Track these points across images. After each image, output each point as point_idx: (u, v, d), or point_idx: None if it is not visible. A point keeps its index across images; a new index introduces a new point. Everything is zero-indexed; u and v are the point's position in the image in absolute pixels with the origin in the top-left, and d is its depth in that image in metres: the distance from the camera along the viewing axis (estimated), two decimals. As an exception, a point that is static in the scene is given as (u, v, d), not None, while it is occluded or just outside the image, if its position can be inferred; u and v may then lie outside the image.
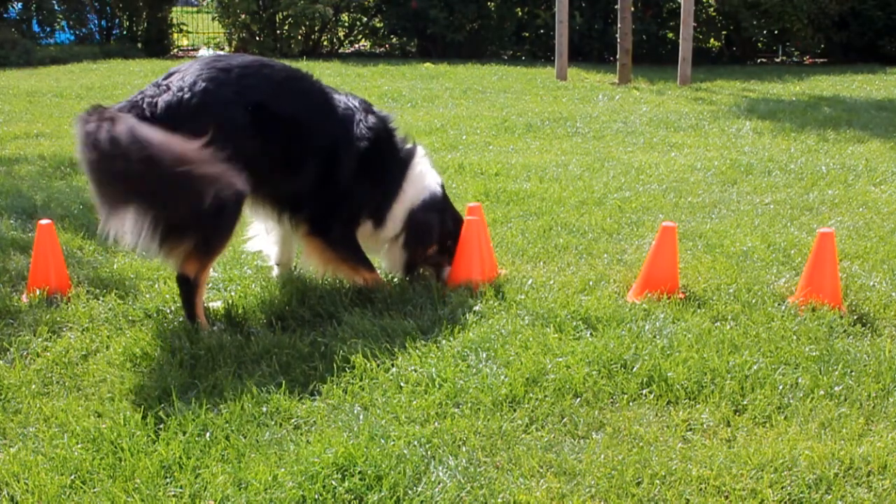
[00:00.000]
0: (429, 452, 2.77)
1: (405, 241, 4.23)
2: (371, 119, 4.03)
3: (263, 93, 3.71)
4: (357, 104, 4.04)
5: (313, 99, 3.94)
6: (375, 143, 4.01)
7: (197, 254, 3.60)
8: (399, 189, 4.15)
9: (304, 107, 3.88)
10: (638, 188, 6.22)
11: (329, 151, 3.91)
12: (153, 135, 3.28)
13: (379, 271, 4.28)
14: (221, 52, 3.97)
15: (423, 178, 4.23)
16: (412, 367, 3.31)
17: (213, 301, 3.93)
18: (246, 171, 3.52)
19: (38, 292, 3.99)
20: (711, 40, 17.51)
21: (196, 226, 3.52)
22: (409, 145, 4.25)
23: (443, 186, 4.37)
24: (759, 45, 17.59)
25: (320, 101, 3.95)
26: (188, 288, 3.67)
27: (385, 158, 4.10)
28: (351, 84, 12.15)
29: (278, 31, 17.29)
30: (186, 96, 3.54)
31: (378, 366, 3.33)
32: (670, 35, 16.85)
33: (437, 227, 4.26)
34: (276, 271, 4.37)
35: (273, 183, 3.82)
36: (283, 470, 2.66)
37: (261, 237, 4.39)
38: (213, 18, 18.25)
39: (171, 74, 3.66)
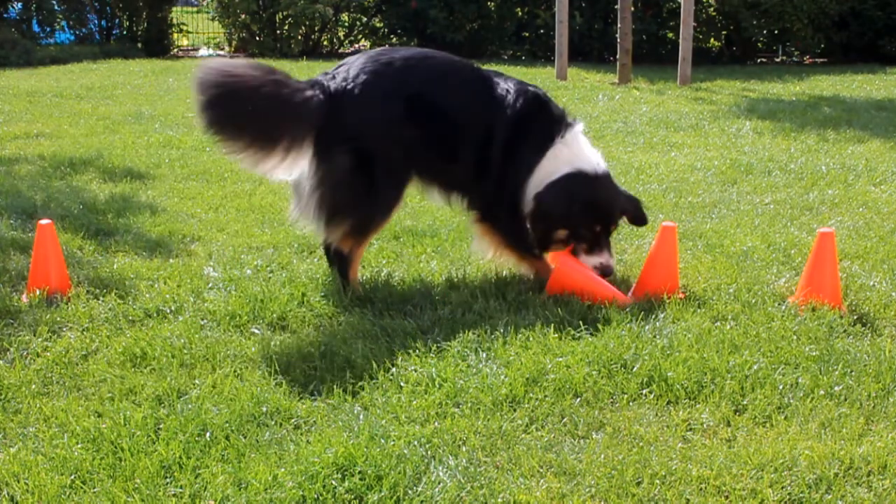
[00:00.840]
0: (429, 452, 2.77)
1: (531, 216, 4.15)
2: (520, 102, 4.07)
3: (422, 85, 3.99)
4: (511, 87, 4.10)
5: (471, 88, 4.12)
6: (521, 126, 4.06)
7: (353, 233, 3.97)
8: (534, 162, 4.10)
9: (462, 97, 4.08)
10: (638, 188, 6.21)
11: (485, 139, 4.06)
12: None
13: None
14: (385, 47, 4.22)
15: (562, 155, 4.10)
16: (412, 367, 3.31)
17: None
18: (407, 160, 3.97)
19: (38, 292, 3.99)
20: (711, 40, 17.51)
21: (354, 208, 3.91)
22: (559, 124, 4.15)
23: (600, 168, 4.17)
24: (759, 45, 17.58)
25: (478, 90, 4.11)
26: (342, 260, 4.05)
27: (528, 139, 4.10)
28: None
29: (278, 31, 17.29)
30: (347, 87, 3.85)
31: (378, 366, 3.33)
32: (670, 35, 16.85)
33: (562, 209, 4.07)
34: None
35: (436, 170, 4.13)
36: (283, 470, 2.66)
37: None
38: (213, 18, 18.25)
39: (340, 66, 3.98)
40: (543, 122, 4.15)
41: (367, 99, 3.87)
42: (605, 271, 4.13)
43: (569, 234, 4.14)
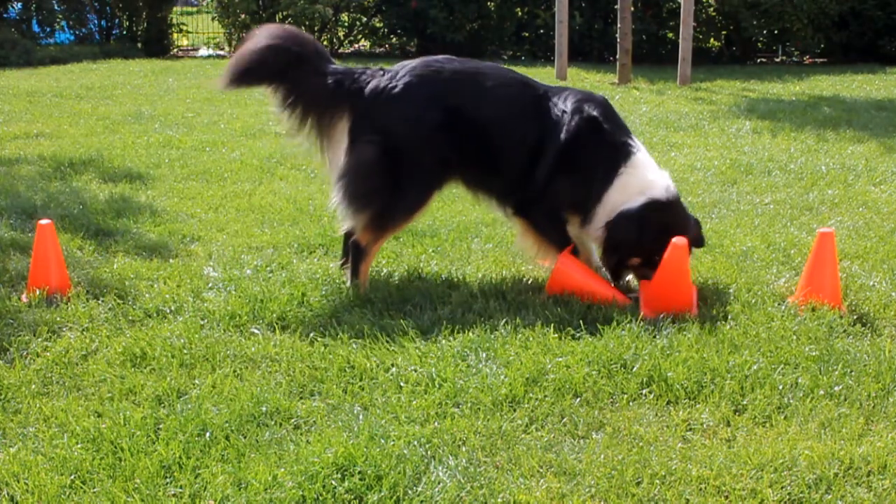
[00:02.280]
0: (429, 452, 2.77)
1: (603, 245, 4.21)
2: (574, 121, 4.08)
3: (463, 97, 4.09)
4: (568, 107, 4.11)
5: (518, 104, 4.18)
6: (576, 144, 4.07)
7: (373, 226, 4.05)
8: (602, 192, 4.11)
9: (505, 112, 4.15)
10: (638, 188, 6.21)
11: (529, 151, 4.12)
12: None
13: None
14: (443, 56, 4.40)
15: (631, 183, 4.10)
16: (412, 367, 3.31)
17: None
18: (440, 165, 4.08)
19: (38, 292, 3.99)
20: (711, 40, 17.50)
21: (377, 199, 4.01)
22: (623, 147, 4.16)
23: (671, 192, 4.15)
24: (759, 45, 17.57)
25: (525, 107, 4.16)
26: (358, 253, 4.10)
27: (587, 159, 4.12)
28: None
29: (278, 31, 17.28)
30: (390, 85, 4.01)
31: (378, 366, 3.33)
32: (670, 35, 16.84)
33: (634, 238, 4.07)
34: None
35: (474, 176, 4.22)
36: (282, 470, 2.66)
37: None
38: (213, 18, 18.25)
39: (396, 66, 4.15)
40: (602, 147, 4.13)
41: (406, 99, 4.00)
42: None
43: (642, 261, 4.15)
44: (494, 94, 4.17)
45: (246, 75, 4.10)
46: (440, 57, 4.28)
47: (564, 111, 4.12)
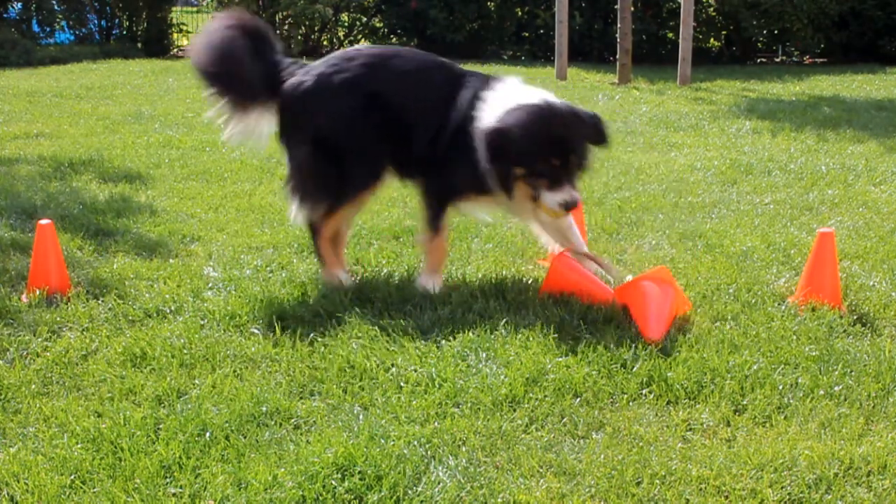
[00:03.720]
0: (429, 452, 2.77)
1: (486, 162, 3.88)
2: (465, 97, 4.02)
3: (380, 82, 4.06)
4: (472, 88, 4.04)
5: (433, 86, 4.13)
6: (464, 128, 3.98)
7: (326, 215, 4.15)
8: (473, 118, 3.93)
9: (421, 94, 4.10)
10: (638, 188, 6.22)
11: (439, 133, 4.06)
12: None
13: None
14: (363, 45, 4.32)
15: (502, 99, 3.89)
16: (412, 367, 3.31)
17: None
18: (372, 146, 4.06)
19: (38, 292, 3.99)
20: (711, 40, 17.51)
21: (326, 195, 4.10)
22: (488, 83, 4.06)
23: (547, 99, 3.89)
24: (759, 45, 17.58)
25: (440, 89, 4.10)
26: (314, 234, 4.23)
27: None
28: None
29: (278, 31, 17.28)
30: (305, 80, 4.06)
31: (378, 366, 3.33)
32: (670, 35, 16.85)
33: (510, 145, 3.78)
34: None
35: (397, 158, 4.18)
36: (282, 470, 2.66)
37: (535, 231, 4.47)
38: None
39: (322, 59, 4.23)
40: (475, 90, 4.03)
41: (324, 91, 4.04)
42: (568, 206, 3.82)
43: (526, 172, 3.84)
44: (411, 76, 4.15)
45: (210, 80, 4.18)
46: (359, 46, 4.34)
47: (466, 95, 4.04)
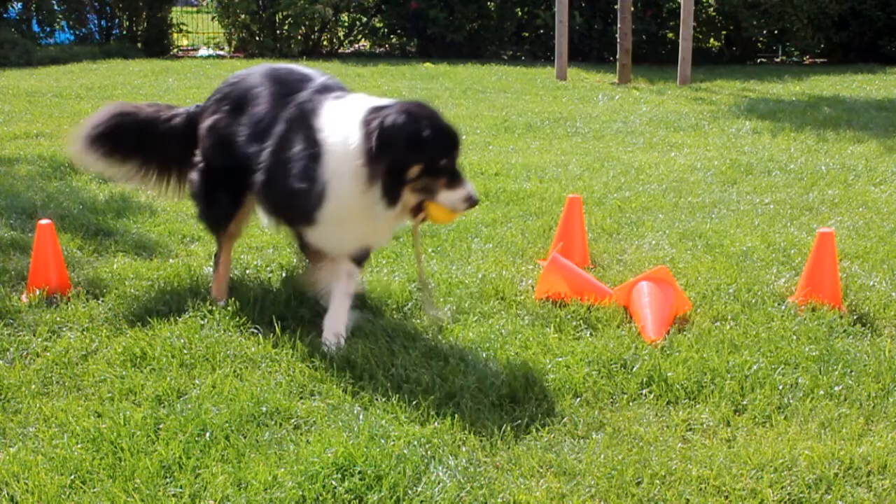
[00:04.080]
0: (429, 452, 2.77)
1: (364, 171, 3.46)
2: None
3: (242, 104, 3.90)
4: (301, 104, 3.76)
5: (275, 108, 3.78)
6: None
7: (216, 235, 4.20)
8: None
9: (264, 115, 3.79)
10: (638, 188, 6.22)
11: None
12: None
13: None
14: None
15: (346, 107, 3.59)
16: (412, 367, 3.31)
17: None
18: (232, 173, 3.88)
19: (38, 292, 3.98)
20: (711, 40, 17.50)
21: (209, 216, 4.13)
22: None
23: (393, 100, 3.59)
24: (759, 45, 17.58)
25: (283, 109, 3.76)
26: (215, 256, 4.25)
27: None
28: (350, 84, 12.12)
29: (278, 31, 17.28)
30: (200, 107, 4.15)
31: (378, 366, 3.33)
32: (670, 35, 16.84)
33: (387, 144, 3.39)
34: None
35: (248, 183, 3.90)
36: (282, 470, 2.66)
37: None
38: (213, 18, 18.24)
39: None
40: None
41: (206, 115, 4.04)
42: (474, 200, 3.46)
43: (423, 171, 3.44)
44: (262, 97, 3.85)
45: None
46: (254, 67, 4.14)
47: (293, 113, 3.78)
